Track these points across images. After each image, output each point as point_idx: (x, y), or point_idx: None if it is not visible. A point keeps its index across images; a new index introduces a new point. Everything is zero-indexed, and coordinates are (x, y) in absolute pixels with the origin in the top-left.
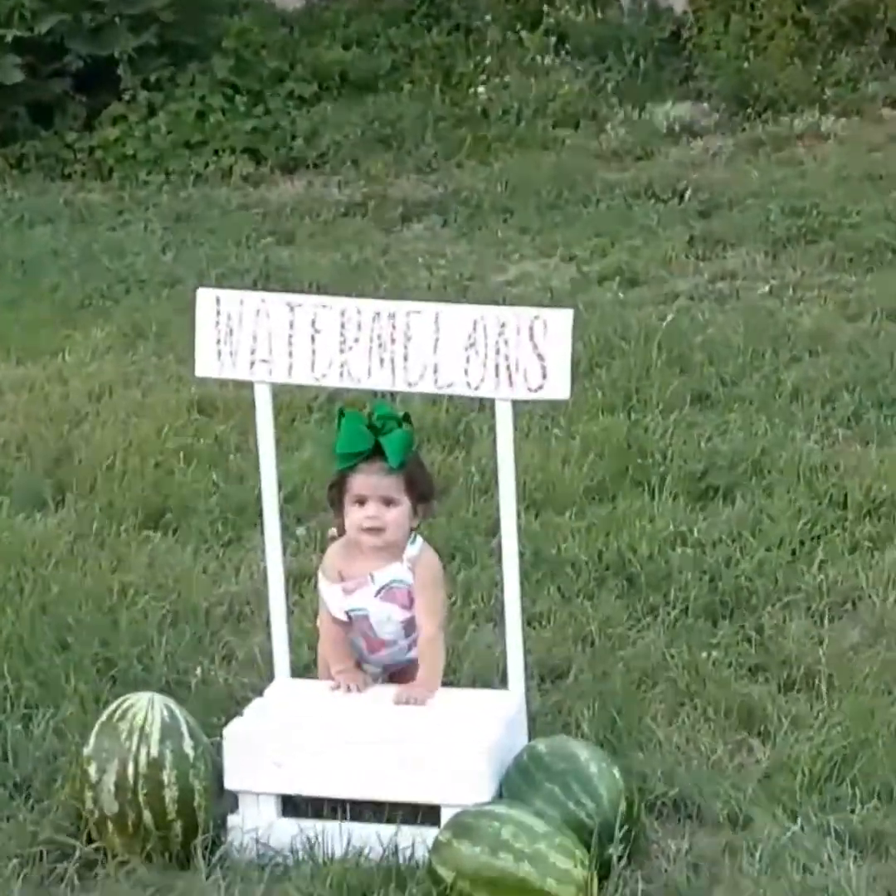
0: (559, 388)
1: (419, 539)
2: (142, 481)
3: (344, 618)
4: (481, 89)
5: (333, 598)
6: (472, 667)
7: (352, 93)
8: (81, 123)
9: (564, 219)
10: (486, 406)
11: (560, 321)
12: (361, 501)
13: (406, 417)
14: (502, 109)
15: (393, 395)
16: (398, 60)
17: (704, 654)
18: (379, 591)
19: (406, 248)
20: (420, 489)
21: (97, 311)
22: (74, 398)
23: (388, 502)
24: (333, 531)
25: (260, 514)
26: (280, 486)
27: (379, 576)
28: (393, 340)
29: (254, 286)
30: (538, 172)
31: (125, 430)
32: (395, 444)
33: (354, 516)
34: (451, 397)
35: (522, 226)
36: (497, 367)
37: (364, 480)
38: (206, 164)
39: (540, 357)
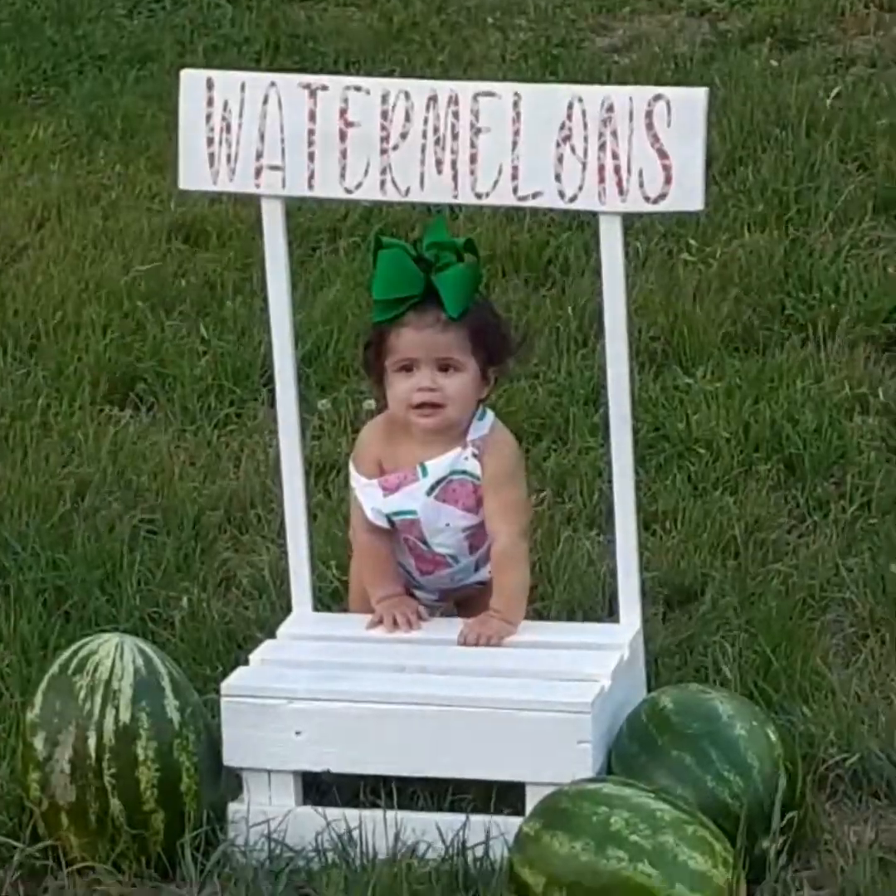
0: (690, 196)
1: (489, 414)
2: (103, 338)
3: (385, 524)
4: None
5: (370, 498)
6: (568, 590)
7: None
8: None
9: None
10: (586, 224)
11: (690, 103)
12: (410, 367)
13: (468, 246)
14: None
15: (454, 212)
16: None
17: (894, 567)
18: (433, 488)
19: (471, 2)
20: (491, 346)
21: (38, 101)
22: (8, 223)
23: (447, 367)
24: (371, 403)
25: (269, 382)
26: (296, 343)
27: (433, 466)
28: (455, 135)
29: (257, 62)
30: None
31: (79, 266)
32: (455, 285)
33: (401, 387)
34: (536, 213)
35: None
36: (602, 169)
37: (414, 337)
38: None
39: (662, 154)
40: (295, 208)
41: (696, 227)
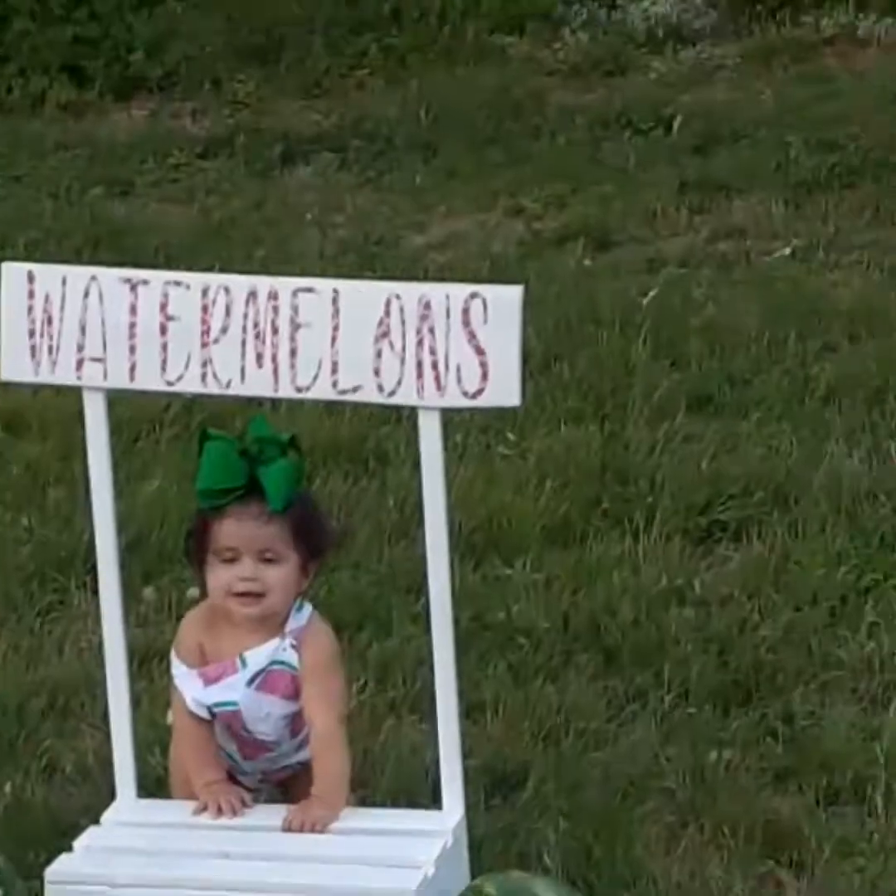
0: (506, 392)
1: (307, 607)
2: None
3: (205, 714)
4: None
5: (190, 688)
6: (392, 777)
7: None
8: None
9: (508, 158)
10: (405, 417)
11: (506, 300)
12: (233, 558)
13: (292, 442)
14: (419, 8)
15: (275, 404)
16: None
17: (713, 755)
18: (253, 679)
19: (290, 199)
20: (312, 539)
21: None
22: None
23: (269, 559)
24: (195, 592)
25: (92, 570)
26: (120, 531)
27: (252, 657)
28: (275, 330)
29: (78, 256)
30: (470, 95)
31: None
32: (279, 479)
33: (222, 577)
34: (354, 406)
35: (449, 168)
36: (420, 364)
37: (237, 529)
38: (9, 89)
39: (479, 350)
40: (116, 399)
41: (513, 421)
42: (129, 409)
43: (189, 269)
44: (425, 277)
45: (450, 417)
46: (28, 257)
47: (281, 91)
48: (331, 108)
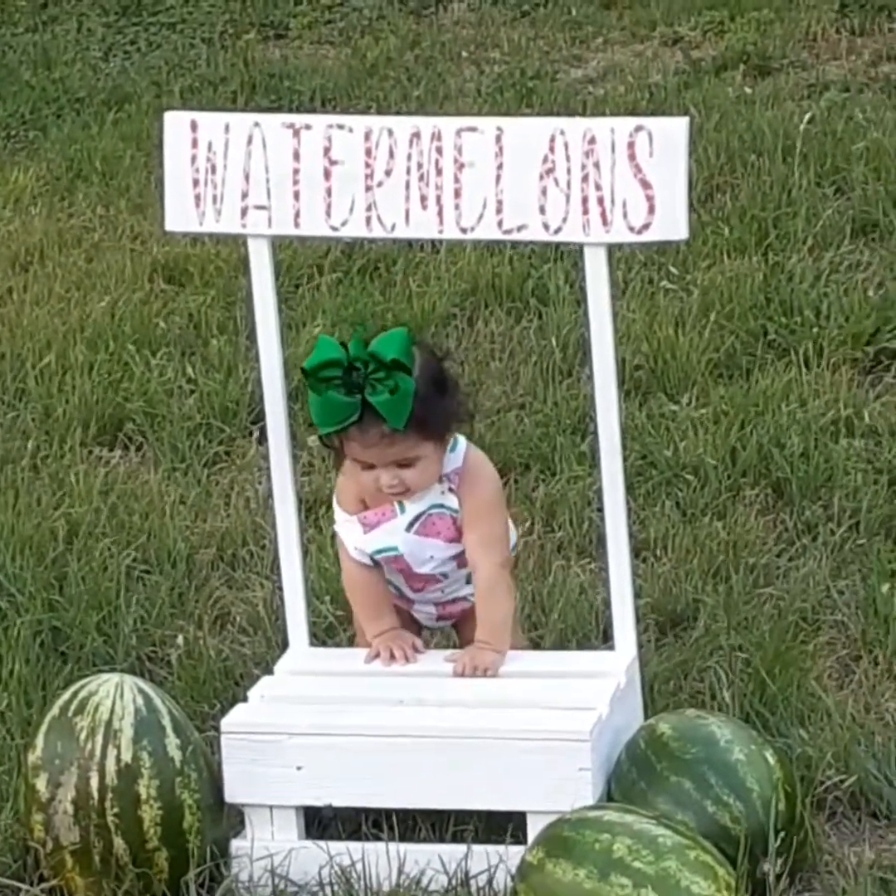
0: (674, 225)
1: (460, 443)
2: (90, 380)
3: (368, 561)
4: None
5: (351, 535)
6: (561, 619)
7: None
8: None
9: None
10: (564, 255)
11: (672, 133)
12: (369, 467)
13: (395, 351)
14: None
15: (435, 246)
16: None
17: (885, 587)
18: (412, 524)
19: (444, 37)
20: (443, 425)
21: (17, 145)
22: None
23: (404, 464)
24: (315, 439)
25: (257, 419)
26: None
27: (410, 503)
28: (439, 171)
29: (233, 101)
30: None
31: (64, 309)
32: (391, 404)
33: (365, 479)
34: (514, 245)
35: None
36: (585, 200)
37: (363, 450)
38: None
39: (645, 184)
40: (276, 246)
41: (675, 255)
42: (288, 256)
43: (345, 111)
44: (583, 111)
45: (614, 254)
46: (184, 104)
47: None
48: None
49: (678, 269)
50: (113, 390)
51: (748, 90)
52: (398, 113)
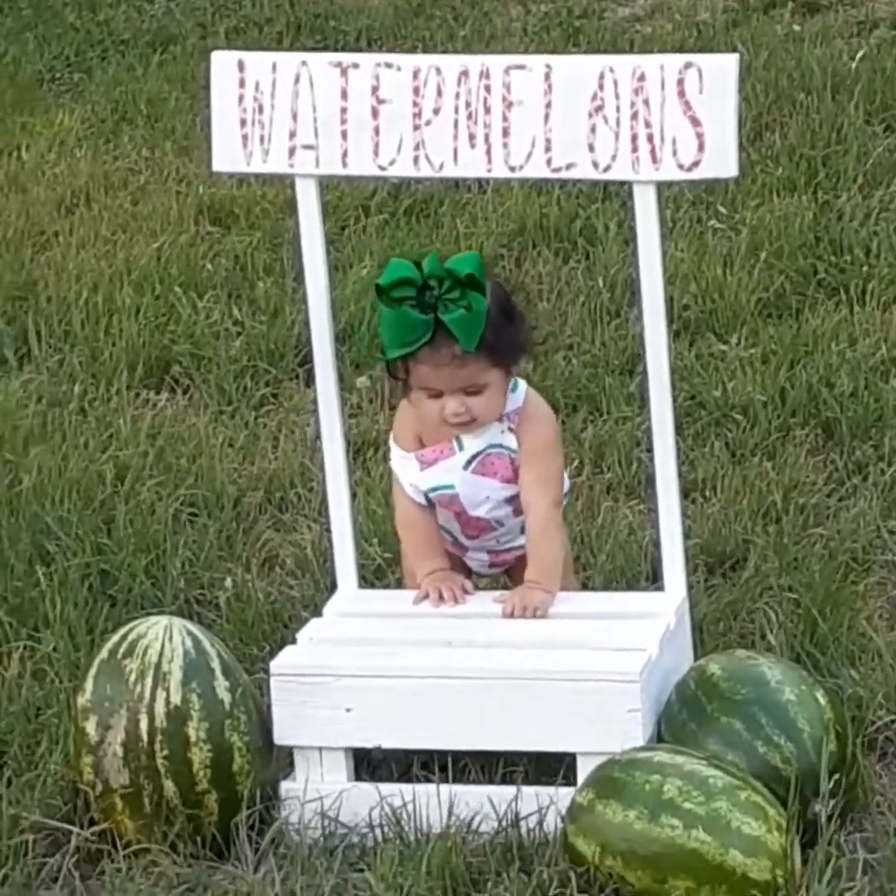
0: (724, 163)
1: (521, 385)
2: (136, 323)
3: (422, 500)
4: None
5: (407, 472)
6: (609, 559)
7: None
8: None
9: None
10: (612, 195)
11: (722, 70)
12: (436, 394)
13: (471, 267)
14: None
15: (482, 186)
16: None
17: None
18: (470, 462)
19: None
20: (511, 353)
21: (62, 88)
22: (37, 211)
23: (472, 391)
24: (365, 380)
25: (304, 361)
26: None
27: (469, 440)
28: (487, 109)
29: (279, 42)
30: None
31: (110, 252)
32: (465, 323)
33: (430, 409)
34: (564, 185)
35: None
36: (635, 138)
37: (433, 374)
38: None
39: (695, 121)
40: (323, 186)
41: (724, 194)
42: (334, 197)
43: (391, 51)
44: (631, 49)
45: (661, 191)
46: (230, 46)
47: None
48: None
49: (727, 208)
50: (159, 333)
51: (797, 28)
52: (444, 52)
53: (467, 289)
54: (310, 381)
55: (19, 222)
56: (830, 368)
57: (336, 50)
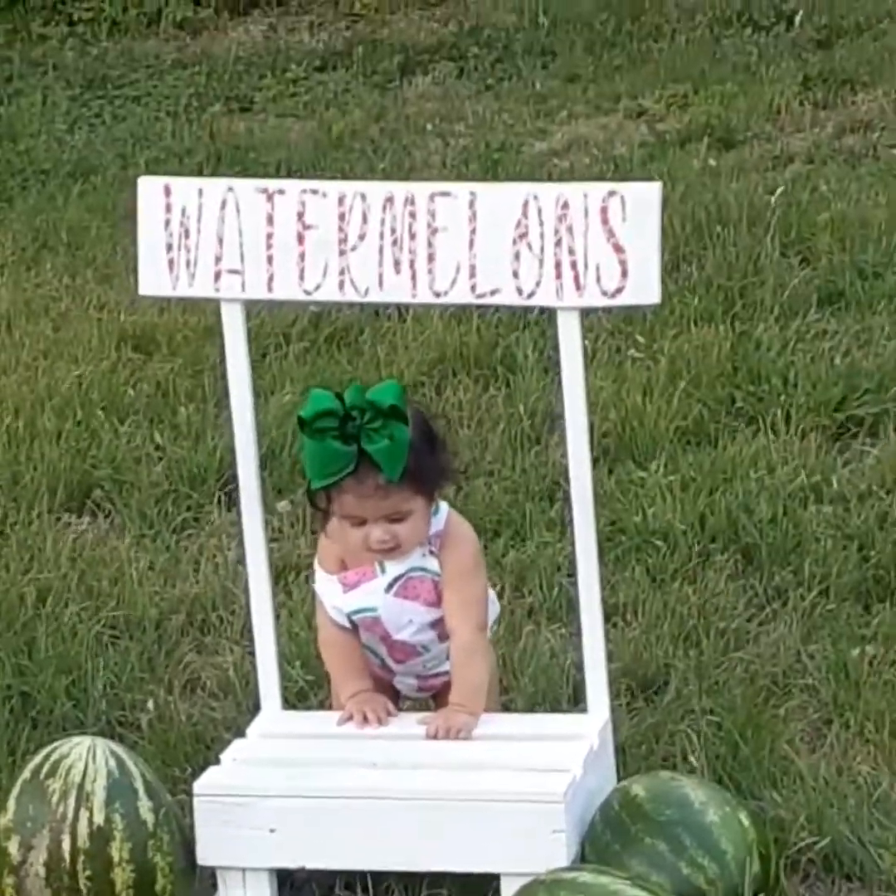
0: (646, 290)
1: (443, 508)
2: (58, 447)
3: (345, 622)
4: None
5: (331, 595)
6: (532, 682)
7: None
8: None
9: (627, 60)
10: (531, 324)
11: (645, 198)
12: (360, 522)
13: (393, 398)
14: None
15: (402, 314)
16: None
17: (855, 651)
18: (392, 585)
19: (409, 110)
20: (434, 481)
21: None
22: None
23: (396, 519)
24: (286, 504)
25: (225, 485)
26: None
27: (391, 563)
28: (412, 235)
29: (199, 173)
30: None
31: (31, 378)
32: (389, 453)
33: (354, 536)
34: (484, 313)
35: (569, 72)
36: (559, 264)
37: (357, 503)
38: (125, 8)
39: (618, 248)
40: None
41: (643, 324)
42: (255, 324)
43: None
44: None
45: (584, 318)
46: (148, 176)
47: (398, 1)
48: (448, 16)
49: (645, 338)
50: (81, 458)
51: (713, 162)
52: None
53: (390, 419)
54: (231, 504)
55: None
56: (749, 495)
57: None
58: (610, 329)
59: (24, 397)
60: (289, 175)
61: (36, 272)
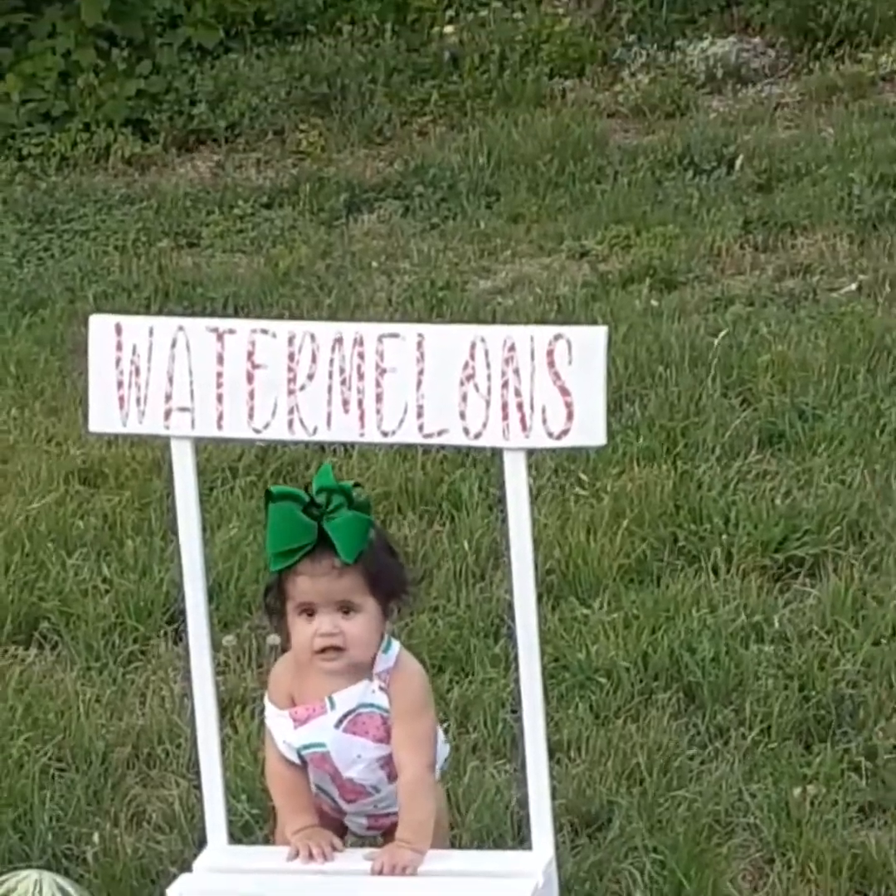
0: (592, 432)
1: (395, 646)
2: (5, 579)
3: (295, 758)
4: (449, 29)
5: (281, 730)
6: (476, 818)
7: (272, 39)
8: None
9: (570, 200)
10: (476, 461)
11: (591, 341)
12: (311, 611)
13: (356, 485)
14: (479, 55)
15: (347, 450)
16: None
17: (797, 791)
18: (341, 721)
19: (355, 247)
20: (389, 583)
21: None
22: None
23: (347, 609)
24: (275, 639)
25: (172, 619)
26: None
27: (340, 699)
28: (361, 375)
29: (147, 307)
30: (531, 139)
31: None
32: (347, 531)
33: (303, 633)
34: (429, 451)
35: (513, 212)
36: (505, 406)
37: (311, 585)
38: (75, 144)
39: (564, 391)
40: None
41: (587, 462)
42: (202, 459)
43: (258, 318)
44: (492, 321)
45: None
46: (99, 310)
47: (344, 140)
48: (394, 155)
49: (589, 476)
50: (28, 590)
51: (655, 303)
52: (311, 320)
53: (353, 506)
54: (178, 638)
55: None
56: (692, 633)
57: (203, 316)
58: (554, 467)
59: None
60: (236, 311)
61: None
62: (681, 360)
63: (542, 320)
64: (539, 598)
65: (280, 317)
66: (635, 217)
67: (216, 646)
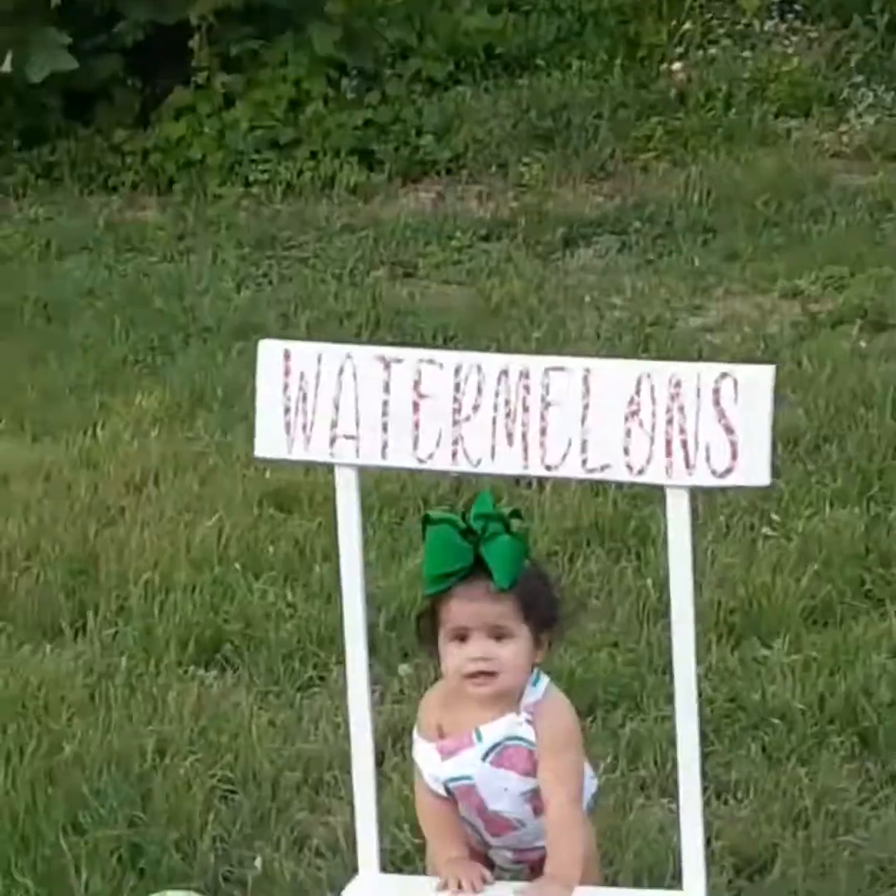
0: (755, 471)
1: (543, 680)
2: (192, 601)
3: (441, 791)
4: (677, 65)
5: (428, 763)
6: (637, 857)
7: (499, 73)
8: (133, 117)
9: (787, 240)
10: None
11: (757, 381)
12: (463, 636)
13: (515, 514)
14: (704, 93)
15: (541, 483)
16: (564, 28)
17: None
18: (488, 753)
19: (569, 281)
20: (542, 613)
21: (144, 370)
22: (106, 488)
23: (500, 635)
24: (407, 668)
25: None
26: (380, 607)
27: (487, 731)
28: (526, 408)
29: (358, 335)
30: (752, 177)
31: (173, 531)
32: (503, 556)
33: (455, 657)
34: (620, 486)
35: (728, 250)
36: (669, 443)
37: (465, 608)
38: (300, 172)
39: (728, 429)
40: (384, 476)
41: (779, 502)
42: (396, 488)
43: (466, 349)
44: (699, 358)
45: (715, 498)
46: (309, 337)
47: (566, 174)
48: (614, 190)
49: (780, 516)
50: (214, 612)
51: (863, 344)
52: (517, 353)
53: (511, 532)
54: None
55: (87, 497)
56: (870, 678)
57: (413, 346)
58: (745, 505)
59: (164, 550)
60: (445, 341)
61: (188, 428)
62: (883, 402)
63: (749, 358)
64: (719, 637)
65: (487, 349)
66: (851, 258)
67: (392, 673)
